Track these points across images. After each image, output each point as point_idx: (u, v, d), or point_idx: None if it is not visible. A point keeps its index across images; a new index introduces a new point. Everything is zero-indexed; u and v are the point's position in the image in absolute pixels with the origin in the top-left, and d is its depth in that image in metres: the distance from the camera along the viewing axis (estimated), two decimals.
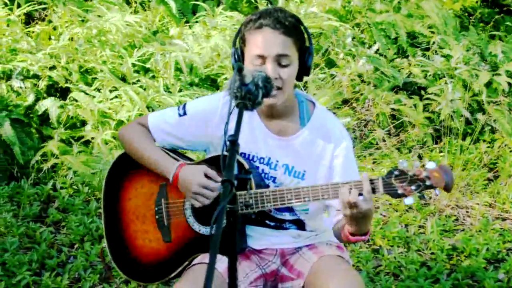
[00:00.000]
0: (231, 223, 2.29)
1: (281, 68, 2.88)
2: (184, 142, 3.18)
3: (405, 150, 6.15)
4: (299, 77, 3.00)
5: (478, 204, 5.51)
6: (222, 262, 2.83)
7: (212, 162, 3.06)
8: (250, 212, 2.93)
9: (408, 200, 2.70)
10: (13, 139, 5.43)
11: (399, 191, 2.70)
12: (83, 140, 5.55)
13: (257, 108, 2.49)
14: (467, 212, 5.44)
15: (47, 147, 5.44)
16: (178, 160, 3.08)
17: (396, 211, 5.30)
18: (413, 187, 2.68)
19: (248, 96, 2.42)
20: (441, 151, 6.09)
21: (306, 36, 3.00)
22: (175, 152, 3.19)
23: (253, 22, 2.93)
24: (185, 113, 3.12)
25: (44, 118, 5.82)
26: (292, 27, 2.91)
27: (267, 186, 3.06)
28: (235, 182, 2.17)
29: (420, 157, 6.07)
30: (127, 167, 3.22)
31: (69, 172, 5.34)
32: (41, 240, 4.67)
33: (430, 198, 5.45)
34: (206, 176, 2.98)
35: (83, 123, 5.78)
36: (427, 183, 2.67)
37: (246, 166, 2.94)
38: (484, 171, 5.95)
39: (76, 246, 4.69)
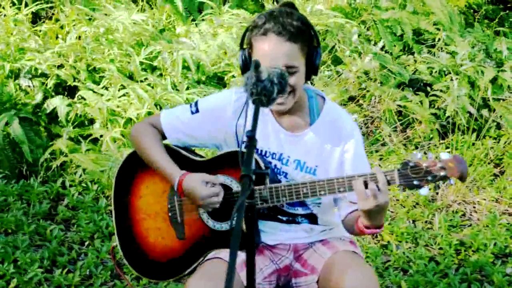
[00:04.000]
0: (249, 217, 2.32)
1: (289, 76, 2.87)
2: (197, 140, 3.20)
3: (412, 147, 6.18)
4: (307, 77, 3.02)
5: (484, 199, 5.55)
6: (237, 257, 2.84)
7: (222, 159, 3.09)
8: (265, 207, 2.97)
9: (424, 191, 2.73)
10: (22, 137, 5.46)
11: (415, 182, 2.73)
12: (91, 138, 5.57)
13: (272, 104, 2.52)
14: (474, 207, 5.48)
15: (56, 145, 5.47)
16: (186, 164, 3.10)
17: (403, 207, 5.33)
18: (429, 178, 2.71)
19: (264, 92, 2.45)
20: (447, 147, 6.12)
21: (314, 37, 3.00)
22: (186, 149, 3.21)
23: (259, 28, 2.92)
24: (197, 111, 3.14)
25: (53, 116, 5.85)
26: (298, 32, 2.91)
27: (280, 182, 3.08)
28: (253, 177, 2.20)
29: (426, 153, 6.08)
30: (138, 164, 3.22)
31: (78, 170, 5.37)
32: (52, 237, 4.70)
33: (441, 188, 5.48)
34: (206, 183, 3.00)
35: (91, 121, 5.81)
36: (442, 173, 2.70)
37: (261, 163, 2.97)
38: (490, 167, 5.98)
39: (86, 243, 4.72)
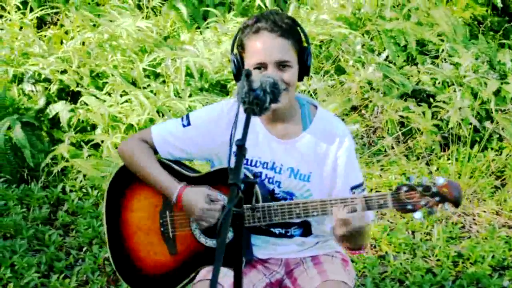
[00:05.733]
0: (237, 226, 2.32)
1: (282, 72, 2.91)
2: (188, 154, 3.18)
3: (413, 157, 6.18)
4: (300, 77, 3.02)
5: (485, 211, 5.53)
6: (228, 277, 2.81)
7: (215, 176, 3.08)
8: (257, 225, 2.97)
9: (417, 215, 2.73)
10: (24, 142, 5.48)
11: (408, 207, 2.74)
12: (92, 143, 5.59)
13: (265, 113, 2.53)
14: (473, 219, 5.47)
15: (57, 151, 5.48)
16: (180, 179, 3.09)
17: (403, 218, 5.32)
18: (422, 202, 2.71)
19: (256, 102, 2.46)
20: (449, 159, 6.11)
21: (303, 36, 3.02)
22: (179, 163, 3.20)
23: (250, 27, 2.95)
24: (189, 124, 3.12)
25: (55, 121, 5.87)
26: (289, 28, 2.94)
27: (273, 191, 3.07)
28: (242, 186, 2.21)
29: (428, 164, 6.09)
30: (129, 178, 3.20)
31: (78, 175, 5.39)
32: (50, 242, 4.72)
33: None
34: (209, 198, 3.00)
35: (93, 127, 5.83)
36: (436, 198, 2.70)
37: (249, 175, 2.98)
38: (491, 179, 5.96)
39: (84, 249, 4.73)
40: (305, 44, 3.02)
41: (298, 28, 3.01)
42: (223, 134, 3.04)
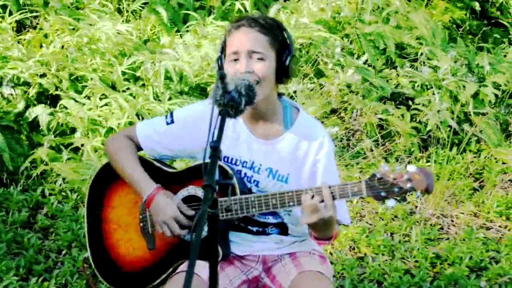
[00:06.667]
0: (212, 228, 2.33)
1: (254, 63, 2.92)
2: (171, 151, 3.21)
3: (392, 160, 6.21)
4: (279, 79, 3.03)
5: (463, 213, 5.58)
6: (205, 269, 2.85)
7: (193, 171, 3.11)
8: (234, 218, 2.98)
9: (390, 202, 2.76)
10: (3, 145, 5.46)
11: (382, 194, 2.75)
12: (72, 147, 5.58)
13: (240, 115, 2.54)
14: (452, 221, 5.50)
15: (37, 154, 5.47)
16: (159, 175, 3.13)
17: (382, 219, 5.35)
18: (395, 189, 2.73)
19: (231, 104, 2.48)
20: (427, 161, 6.15)
21: (286, 38, 3.03)
22: (160, 161, 3.22)
23: (233, 25, 3.01)
24: (172, 121, 3.15)
25: (34, 125, 5.84)
26: (269, 27, 2.97)
27: (250, 190, 3.10)
28: (217, 187, 2.22)
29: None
30: (111, 175, 3.23)
31: (58, 179, 5.37)
32: (29, 246, 4.70)
33: (412, 203, 5.49)
34: (179, 210, 3.04)
35: (73, 130, 5.81)
36: (408, 185, 2.72)
37: (229, 172, 2.99)
38: (469, 181, 6.01)
39: (63, 252, 4.72)
40: (287, 46, 3.02)
41: (281, 29, 3.03)
42: (205, 133, 3.06)
